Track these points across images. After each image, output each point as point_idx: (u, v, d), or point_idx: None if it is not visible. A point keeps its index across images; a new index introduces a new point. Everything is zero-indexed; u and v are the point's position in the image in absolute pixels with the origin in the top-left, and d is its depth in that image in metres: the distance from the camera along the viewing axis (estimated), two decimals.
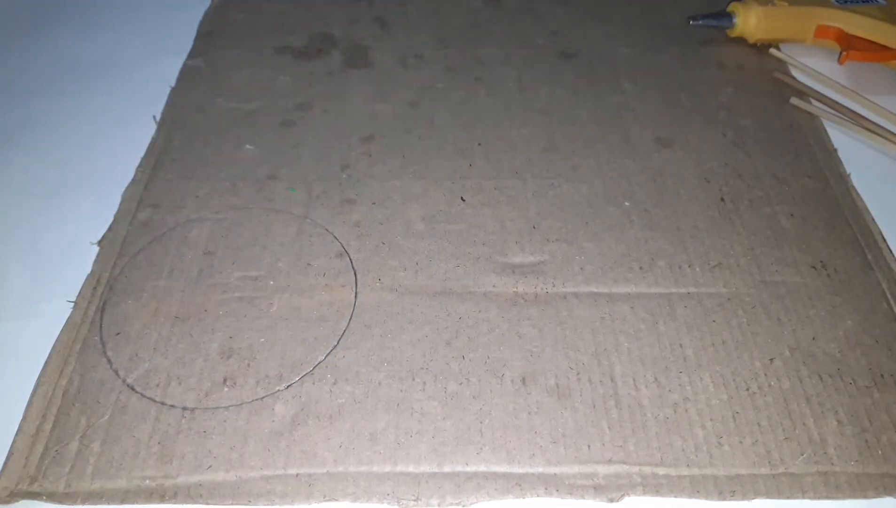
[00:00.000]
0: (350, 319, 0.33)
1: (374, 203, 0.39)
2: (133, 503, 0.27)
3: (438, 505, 0.27)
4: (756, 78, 0.48)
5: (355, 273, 0.35)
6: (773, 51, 0.49)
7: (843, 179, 0.40)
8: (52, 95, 0.47)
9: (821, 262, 0.35)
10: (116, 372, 0.31)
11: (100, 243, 0.37)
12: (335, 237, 0.37)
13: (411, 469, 0.28)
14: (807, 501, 0.27)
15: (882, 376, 0.31)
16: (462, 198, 0.39)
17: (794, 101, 0.45)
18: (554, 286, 0.34)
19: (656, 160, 0.41)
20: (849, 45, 0.47)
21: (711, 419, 0.29)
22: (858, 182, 0.40)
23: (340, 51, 0.50)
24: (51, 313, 0.33)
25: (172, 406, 0.30)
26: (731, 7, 0.50)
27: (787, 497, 0.27)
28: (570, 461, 0.28)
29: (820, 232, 0.37)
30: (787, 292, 0.34)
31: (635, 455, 0.28)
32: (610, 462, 0.28)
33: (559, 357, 0.31)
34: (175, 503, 0.27)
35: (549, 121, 0.44)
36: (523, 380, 0.31)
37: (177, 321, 0.33)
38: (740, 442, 0.28)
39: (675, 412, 0.29)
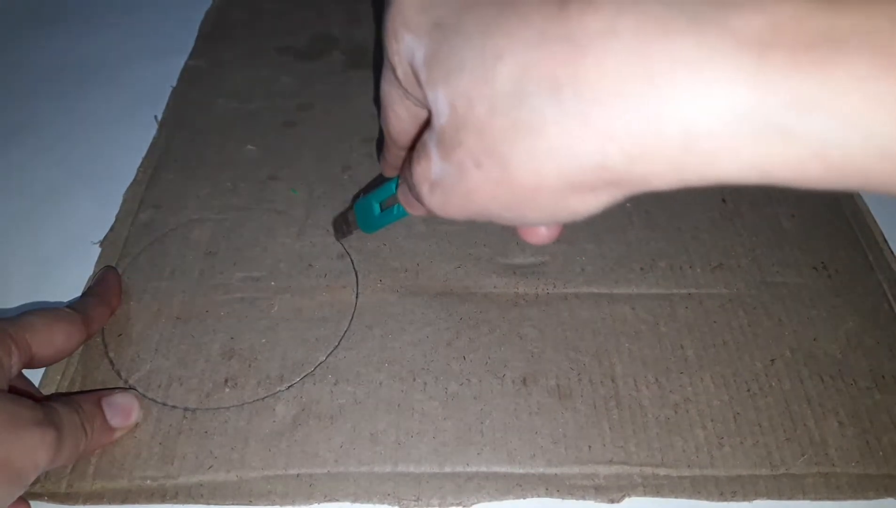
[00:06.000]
0: (351, 319, 0.33)
1: None
2: (134, 503, 0.27)
3: (439, 506, 0.27)
4: None
5: (356, 274, 0.35)
6: None
7: None
8: (54, 95, 0.47)
9: (822, 263, 0.35)
10: (118, 373, 0.31)
11: (101, 243, 0.37)
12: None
13: (412, 469, 0.28)
14: (808, 502, 0.27)
15: (883, 377, 0.31)
16: None
17: None
18: (555, 287, 0.34)
19: None
20: None
21: (712, 420, 0.29)
22: None
23: (342, 51, 0.50)
24: None
25: (174, 407, 0.30)
26: None
27: (788, 498, 0.27)
28: (571, 461, 0.28)
29: (821, 233, 0.37)
30: (788, 292, 0.34)
31: (636, 456, 0.28)
32: (611, 462, 0.28)
33: (560, 358, 0.31)
34: (176, 503, 0.27)
35: None
36: (524, 381, 0.31)
37: (178, 321, 0.33)
38: (741, 443, 0.28)
39: (675, 412, 0.29)
